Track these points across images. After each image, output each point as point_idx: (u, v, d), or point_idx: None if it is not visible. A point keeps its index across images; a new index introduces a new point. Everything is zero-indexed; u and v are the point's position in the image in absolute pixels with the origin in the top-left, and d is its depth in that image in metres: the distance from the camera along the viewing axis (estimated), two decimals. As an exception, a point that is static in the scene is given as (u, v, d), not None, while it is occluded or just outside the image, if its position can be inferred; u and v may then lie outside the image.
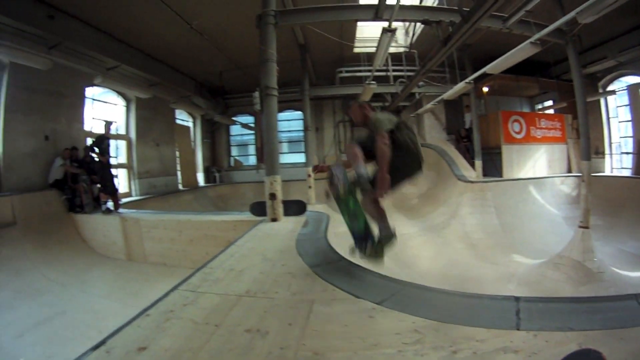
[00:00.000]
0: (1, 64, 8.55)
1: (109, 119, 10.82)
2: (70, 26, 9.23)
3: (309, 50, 12.58)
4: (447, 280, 7.10)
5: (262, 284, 3.32)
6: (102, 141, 8.76)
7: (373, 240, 3.62)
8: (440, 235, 9.34)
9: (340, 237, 4.88)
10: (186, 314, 2.81)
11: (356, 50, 12.82)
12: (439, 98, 12.00)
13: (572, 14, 5.96)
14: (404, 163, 3.61)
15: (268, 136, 6.76)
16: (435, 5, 8.86)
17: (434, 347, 1.97)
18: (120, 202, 9.34)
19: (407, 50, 12.68)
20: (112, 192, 8.93)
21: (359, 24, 10.68)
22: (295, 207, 6.83)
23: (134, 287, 6.65)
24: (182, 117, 17.20)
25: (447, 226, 9.84)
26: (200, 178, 18.21)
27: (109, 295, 6.40)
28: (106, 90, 11.98)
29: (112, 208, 8.81)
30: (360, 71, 13.68)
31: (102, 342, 2.48)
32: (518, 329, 2.08)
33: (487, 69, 8.22)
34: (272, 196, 6.43)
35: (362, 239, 3.68)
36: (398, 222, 10.75)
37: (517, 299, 2.37)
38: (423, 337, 2.04)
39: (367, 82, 10.85)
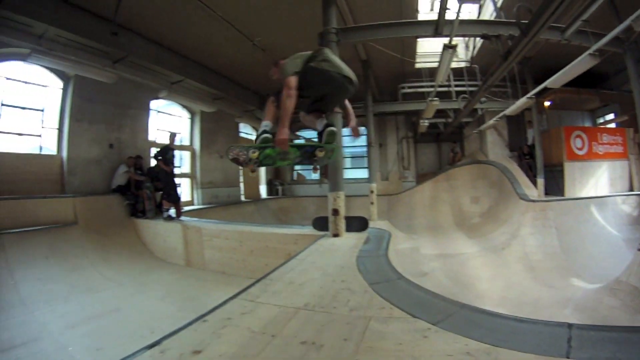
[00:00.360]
0: (66, 76, 9.31)
1: (173, 130, 11.35)
2: (133, 42, 9.84)
3: (371, 66, 12.73)
4: (504, 303, 7.05)
5: (321, 298, 3.39)
6: (166, 151, 9.29)
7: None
8: (500, 256, 9.23)
9: (401, 255, 4.97)
10: (244, 322, 2.92)
11: (418, 65, 12.84)
12: (501, 114, 11.87)
13: (627, 22, 5.80)
14: (326, 91, 3.81)
15: None
16: (493, 19, 8.73)
17: (484, 371, 2.02)
18: (182, 210, 9.79)
19: (468, 65, 12.63)
20: (175, 200, 9.40)
21: (420, 39, 10.80)
22: (357, 224, 6.92)
23: (191, 293, 6.88)
24: (246, 131, 17.88)
25: (508, 246, 9.70)
26: (263, 190, 18.81)
27: (165, 298, 6.67)
28: (171, 102, 12.72)
29: (173, 215, 9.26)
30: (422, 87, 13.71)
31: (158, 342, 2.64)
32: (567, 357, 2.08)
33: (547, 83, 8.06)
34: (335, 212, 6.57)
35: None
36: (459, 241, 10.94)
37: (570, 326, 2.37)
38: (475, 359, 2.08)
39: (429, 98, 10.83)
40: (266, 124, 4.04)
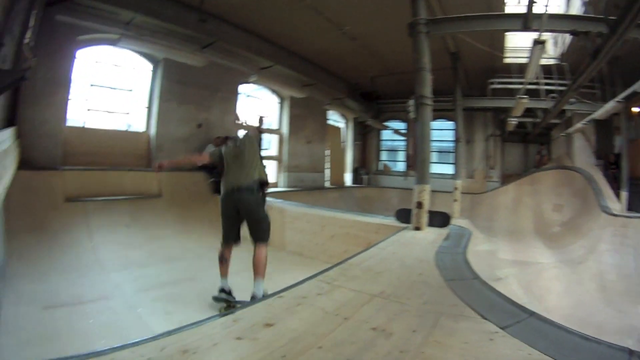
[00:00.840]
0: (155, 59, 10.16)
1: (262, 114, 12.02)
2: (221, 29, 10.51)
3: (460, 59, 12.75)
4: (570, 322, 6.73)
5: (397, 288, 3.52)
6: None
7: None
8: (575, 271, 9.02)
9: (478, 257, 4.95)
10: (318, 302, 3.10)
11: (507, 60, 12.80)
12: (589, 117, 11.42)
13: None
14: None
15: (421, 145, 7.07)
16: (582, 14, 8.65)
17: (542, 384, 2.01)
18: (267, 192, 10.28)
19: (558, 62, 12.36)
20: None
21: (509, 32, 10.78)
22: (439, 219, 6.99)
23: (267, 270, 6.90)
24: (335, 118, 18.56)
25: (584, 261, 9.42)
26: (348, 178, 19.47)
27: (240, 273, 6.65)
28: (260, 87, 13.48)
29: None
30: (511, 83, 13.53)
31: (232, 311, 2.85)
32: None
33: (637, 86, 7.92)
34: (419, 205, 6.67)
35: None
36: (537, 250, 10.81)
37: (631, 352, 2.34)
38: None
39: (518, 96, 10.74)
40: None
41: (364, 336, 2.48)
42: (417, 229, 6.62)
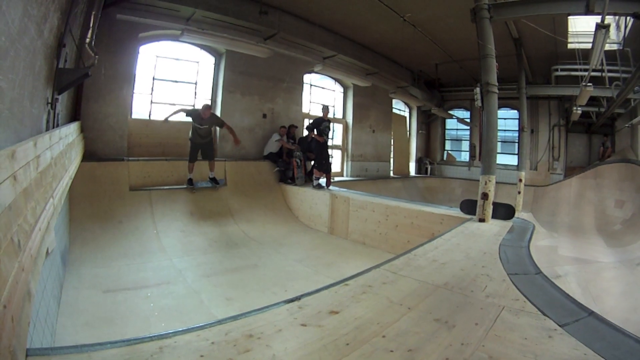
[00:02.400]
0: (217, 52, 10.51)
1: (326, 103, 12.26)
2: (283, 20, 10.66)
3: (523, 45, 12.51)
4: (625, 326, 6.55)
5: (461, 280, 3.55)
6: (320, 123, 9.90)
7: None
8: (634, 273, 8.68)
9: (538, 252, 4.87)
10: (383, 291, 3.15)
11: (570, 46, 12.29)
12: None
13: None
14: None
15: (487, 134, 6.93)
16: None
17: (593, 385, 1.98)
18: (332, 181, 10.44)
19: (620, 47, 11.74)
20: (326, 170, 10.06)
21: (571, 16, 10.41)
22: (503, 211, 6.89)
23: (330, 259, 7.25)
24: (399, 107, 18.59)
25: None
26: (412, 168, 19.51)
27: (303, 261, 7.07)
28: (323, 76, 13.66)
29: (323, 184, 9.97)
30: (575, 70, 12.99)
31: (297, 298, 2.88)
32: None
33: None
34: (485, 196, 6.59)
35: None
36: (597, 248, 10.52)
37: None
38: None
39: (583, 83, 10.41)
40: None
41: (427, 327, 2.53)
42: (482, 220, 6.57)
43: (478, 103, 7.21)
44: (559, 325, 2.60)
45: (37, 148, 2.69)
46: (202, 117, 8.63)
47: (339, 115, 15.00)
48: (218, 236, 8.00)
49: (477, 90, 7.21)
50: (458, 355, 2.17)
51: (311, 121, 10.32)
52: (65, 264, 5.50)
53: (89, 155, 7.88)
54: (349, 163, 15.04)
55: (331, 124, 10.51)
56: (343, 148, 15.05)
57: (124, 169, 8.35)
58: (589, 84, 10.37)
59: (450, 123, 20.71)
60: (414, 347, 2.24)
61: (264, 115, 11.42)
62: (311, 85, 13.68)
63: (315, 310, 2.69)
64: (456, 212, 7.25)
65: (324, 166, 10.07)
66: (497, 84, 6.96)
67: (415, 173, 19.70)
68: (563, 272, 7.94)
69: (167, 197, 8.54)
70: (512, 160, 17.57)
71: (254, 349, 2.13)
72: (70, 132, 5.46)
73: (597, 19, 7.12)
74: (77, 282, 5.13)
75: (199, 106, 9.52)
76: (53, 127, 4.74)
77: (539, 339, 2.40)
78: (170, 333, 2.23)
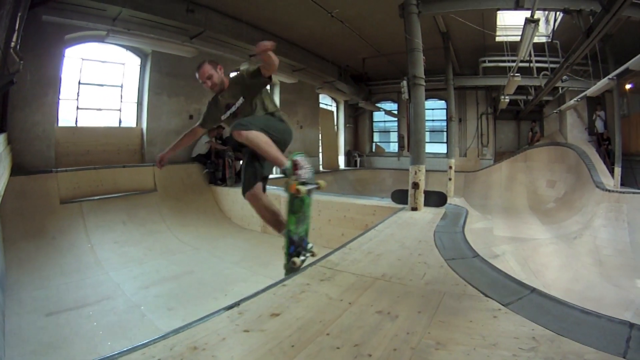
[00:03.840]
0: (144, 53, 10.12)
1: None
2: (210, 18, 10.35)
3: (451, 38, 12.76)
4: (568, 296, 6.59)
5: (398, 269, 3.54)
6: None
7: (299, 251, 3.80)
8: (571, 246, 9.21)
9: (474, 235, 4.95)
10: (322, 289, 3.10)
11: (498, 39, 12.64)
12: (582, 94, 11.51)
13: None
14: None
15: (415, 126, 7.04)
16: None
17: (546, 358, 2.04)
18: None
19: (549, 40, 12.28)
20: None
21: (501, 11, 10.79)
22: (435, 198, 6.99)
23: (266, 258, 7.13)
24: (326, 102, 18.63)
25: (579, 237, 9.61)
26: (342, 161, 19.62)
27: (240, 263, 7.00)
28: None
29: None
30: (503, 61, 13.48)
31: (237, 304, 2.81)
32: (624, 357, 2.06)
33: (630, 64, 7.79)
34: (415, 185, 6.67)
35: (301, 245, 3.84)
36: (532, 226, 10.86)
37: (631, 325, 2.34)
38: (538, 346, 2.12)
39: (511, 74, 10.65)
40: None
41: (370, 320, 2.51)
42: (414, 209, 6.64)
43: (405, 96, 7.30)
44: (503, 305, 2.65)
45: None
46: None
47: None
48: (152, 244, 7.77)
49: (404, 83, 7.32)
50: (405, 345, 2.17)
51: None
52: (4, 288, 5.22)
53: (17, 168, 7.44)
54: None
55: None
56: None
57: (52, 181, 7.95)
58: (517, 75, 10.65)
59: (378, 115, 21.15)
60: (359, 342, 2.22)
61: (191, 117, 11.10)
62: (237, 83, 13.45)
63: (256, 315, 2.64)
64: (388, 202, 7.29)
65: None
66: (424, 76, 7.07)
67: (345, 166, 19.95)
68: (500, 251, 8.11)
69: (98, 207, 8.21)
70: (442, 148, 18.11)
71: None
72: None
73: (526, 13, 7.29)
74: (18, 307, 4.93)
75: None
76: None
77: (484, 320, 2.45)
78: (116, 355, 2.12)
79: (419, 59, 7.04)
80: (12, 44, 5.59)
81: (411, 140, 7.15)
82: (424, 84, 7.10)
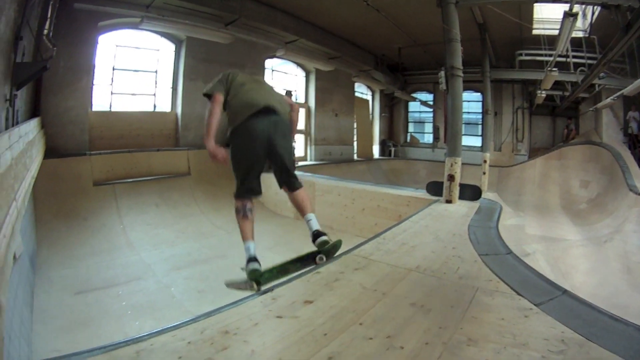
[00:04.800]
0: (178, 39, 10.37)
1: (289, 88, 12.35)
2: (244, 5, 10.48)
3: (487, 30, 12.64)
4: (594, 302, 6.66)
5: (432, 262, 3.54)
6: None
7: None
8: (601, 250, 8.93)
9: (506, 231, 4.96)
10: (356, 278, 3.13)
11: (535, 32, 12.50)
12: (618, 93, 10.97)
13: None
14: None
15: (452, 117, 7.05)
16: None
17: (573, 363, 2.01)
18: (296, 165, 10.39)
19: (586, 35, 12.04)
20: None
21: (538, 3, 10.61)
22: (470, 192, 7.01)
23: (298, 245, 6.69)
24: (361, 90, 18.74)
25: (610, 240, 9.26)
26: (376, 150, 19.75)
27: (273, 248, 6.93)
28: (285, 61, 13.65)
29: None
30: (540, 55, 13.26)
31: (271, 289, 2.88)
32: None
33: None
34: (451, 177, 6.70)
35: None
36: (564, 226, 10.70)
37: None
38: (567, 349, 2.10)
39: (548, 68, 10.58)
40: (248, 247, 3.70)
41: (403, 312, 2.52)
42: (449, 202, 6.66)
43: (443, 86, 7.26)
44: (534, 305, 2.64)
45: None
46: None
47: (302, 99, 14.99)
48: (184, 227, 7.94)
49: (442, 73, 7.26)
50: (437, 339, 2.19)
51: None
52: (35, 267, 5.40)
53: (51, 151, 7.67)
54: (313, 147, 15.14)
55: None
56: (306, 132, 15.10)
57: (86, 164, 8.25)
58: (554, 69, 10.53)
59: (413, 106, 21.03)
60: (392, 334, 2.24)
61: (226, 103, 11.28)
62: (273, 70, 13.63)
63: (289, 301, 2.67)
64: (422, 193, 7.33)
65: None
66: (462, 67, 7.04)
67: (379, 155, 19.99)
68: (531, 250, 7.96)
69: (131, 190, 8.46)
70: (476, 141, 17.94)
71: (232, 346, 2.11)
72: (30, 129, 5.32)
73: (565, 6, 7.19)
74: (47, 285, 5.05)
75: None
76: (13, 125, 4.64)
77: (516, 319, 2.44)
78: (145, 336, 2.18)
79: (457, 49, 7.03)
80: (45, 31, 5.91)
81: (448, 132, 7.15)
82: (462, 75, 7.08)
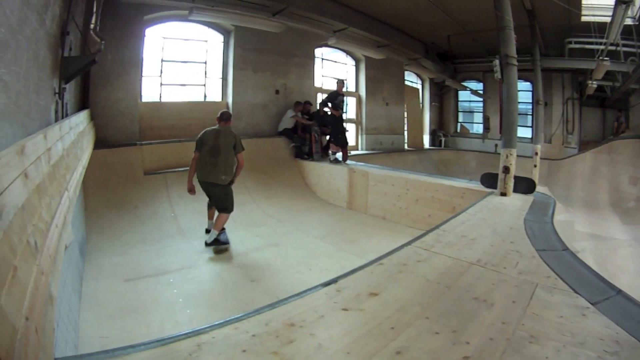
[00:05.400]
0: (226, 30, 10.53)
1: (341, 77, 12.27)
2: (292, -7, 10.47)
3: (536, 16, 12.38)
4: None
5: (492, 256, 3.54)
6: (335, 97, 9.98)
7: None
8: None
9: (558, 227, 4.84)
10: (419, 270, 3.15)
11: (584, 18, 12.01)
12: None
13: None
14: None
15: (508, 108, 6.91)
16: None
17: (627, 365, 1.97)
18: (349, 154, 10.47)
19: (636, 23, 11.44)
20: (343, 144, 10.14)
21: None
22: (524, 185, 6.93)
23: (351, 234, 7.25)
24: (411, 79, 18.64)
25: None
26: (426, 140, 19.64)
27: (325, 238, 7.06)
28: (334, 50, 13.74)
29: (340, 159, 10.05)
30: (590, 43, 12.86)
31: (334, 281, 2.85)
32: None
33: None
34: (506, 169, 6.60)
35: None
36: (612, 225, 10.59)
37: None
38: (621, 350, 2.08)
39: (600, 57, 10.36)
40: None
41: (467, 306, 2.54)
42: (503, 194, 6.59)
43: (498, 75, 7.15)
44: (591, 304, 2.64)
45: (47, 140, 2.68)
46: None
47: (352, 88, 15.02)
48: (236, 216, 7.61)
49: (497, 62, 7.15)
50: (500, 335, 2.21)
51: (326, 95, 10.40)
52: (84, 254, 5.50)
53: (100, 142, 7.92)
54: (364, 136, 15.16)
55: (345, 98, 10.46)
56: (357, 121, 15.14)
57: (137, 154, 8.42)
58: (605, 59, 10.34)
59: (463, 95, 20.74)
60: (457, 328, 2.27)
61: (277, 91, 11.51)
62: (322, 59, 13.73)
63: (354, 293, 2.68)
64: (476, 185, 7.31)
65: (341, 140, 10.15)
66: (516, 56, 6.93)
67: (429, 145, 19.81)
68: (580, 248, 7.78)
69: (182, 179, 8.10)
70: (525, 132, 17.48)
71: (298, 339, 2.11)
72: (80, 121, 5.48)
73: None
74: (96, 272, 5.11)
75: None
76: (62, 118, 4.77)
77: (574, 317, 2.43)
78: (206, 328, 2.18)
79: (510, 37, 6.90)
80: (92, 26, 6.14)
81: (503, 122, 7.06)
82: (516, 63, 6.97)
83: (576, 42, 13.97)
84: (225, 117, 6.41)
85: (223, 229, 6.25)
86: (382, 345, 2.07)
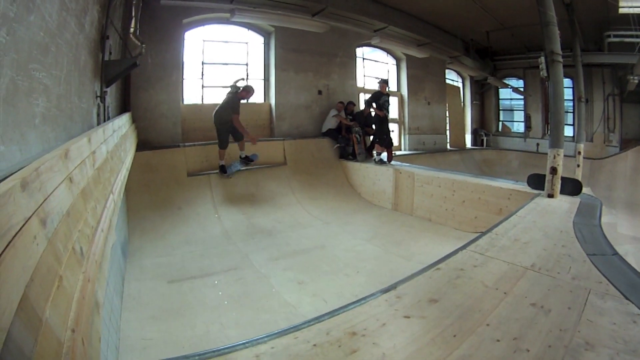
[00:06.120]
0: (266, 31, 10.79)
1: (383, 77, 12.40)
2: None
3: (574, 10, 12.20)
4: None
5: (546, 260, 3.50)
6: (379, 97, 10.06)
7: None
8: None
9: (605, 230, 4.80)
10: (476, 275, 3.13)
11: (621, 10, 11.73)
12: None
13: None
14: None
15: (555, 106, 6.77)
16: None
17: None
18: (393, 155, 10.60)
19: None
20: (388, 145, 10.22)
21: None
22: (570, 186, 6.78)
23: (398, 236, 7.24)
24: (451, 77, 18.63)
25: None
26: (468, 139, 19.57)
27: (372, 240, 7.03)
28: (374, 49, 13.90)
29: (385, 159, 10.10)
30: (629, 36, 12.71)
31: (393, 287, 2.83)
32: None
33: None
34: (554, 170, 6.47)
35: None
36: None
37: None
38: None
39: None
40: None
41: (525, 312, 2.52)
42: (550, 196, 6.48)
43: (543, 73, 7.03)
44: None
45: (91, 144, 2.75)
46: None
47: (393, 88, 15.07)
48: (281, 217, 8.04)
49: (542, 59, 7.04)
50: (559, 342, 2.20)
51: (370, 95, 10.50)
52: (126, 255, 5.61)
53: (143, 144, 8.21)
54: (406, 136, 15.24)
55: (390, 98, 10.47)
56: (400, 121, 15.23)
57: (180, 155, 8.63)
58: (647, 52, 9.88)
59: (503, 93, 20.45)
60: (518, 335, 2.26)
61: (320, 92, 11.75)
62: (363, 58, 13.82)
63: (414, 300, 2.67)
64: (523, 186, 7.21)
65: (386, 141, 10.20)
66: (561, 52, 6.78)
67: (471, 145, 19.71)
68: (623, 251, 7.41)
69: (226, 180, 8.73)
70: (566, 131, 16.98)
71: (361, 349, 2.09)
72: (123, 124, 5.63)
73: None
74: (139, 273, 5.19)
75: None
76: (104, 121, 4.97)
77: (625, 324, 2.39)
78: (265, 337, 2.16)
79: (554, 33, 6.76)
80: (132, 30, 6.44)
81: (550, 121, 6.97)
82: (562, 60, 6.80)
83: (615, 36, 13.69)
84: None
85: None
86: (446, 354, 2.09)
